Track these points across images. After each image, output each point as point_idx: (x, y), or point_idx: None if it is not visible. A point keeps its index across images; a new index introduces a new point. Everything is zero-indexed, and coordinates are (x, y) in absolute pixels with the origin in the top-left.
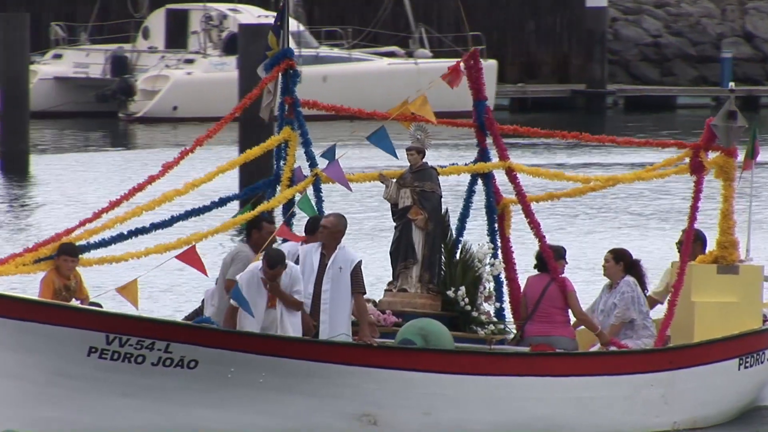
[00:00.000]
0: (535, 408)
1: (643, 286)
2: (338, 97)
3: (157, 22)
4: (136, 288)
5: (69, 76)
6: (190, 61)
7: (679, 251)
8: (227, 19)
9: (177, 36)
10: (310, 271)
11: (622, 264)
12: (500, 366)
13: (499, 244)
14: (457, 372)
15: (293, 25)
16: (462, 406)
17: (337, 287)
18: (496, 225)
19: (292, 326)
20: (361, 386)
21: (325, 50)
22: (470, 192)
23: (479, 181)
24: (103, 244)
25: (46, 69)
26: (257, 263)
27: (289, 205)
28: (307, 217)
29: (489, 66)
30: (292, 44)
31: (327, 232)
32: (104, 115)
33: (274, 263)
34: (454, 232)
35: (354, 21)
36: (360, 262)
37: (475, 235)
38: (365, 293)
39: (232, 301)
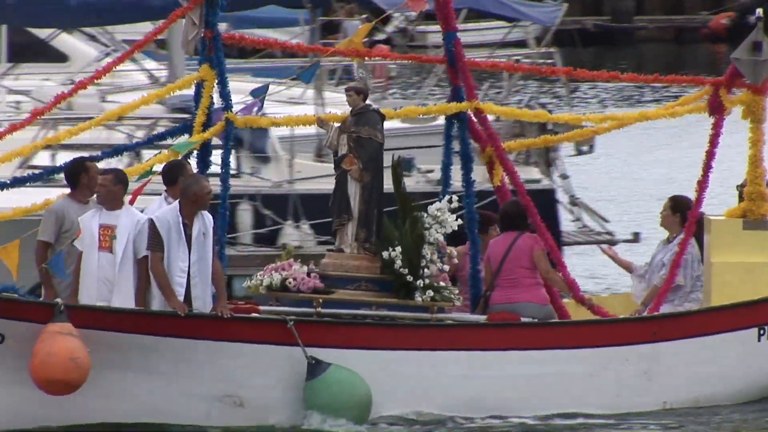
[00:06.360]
0: (472, 387)
1: (701, 240)
2: None
3: None
4: (16, 250)
5: None
6: None
7: (740, 196)
8: None
9: None
10: (178, 242)
11: (679, 215)
12: (419, 338)
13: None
14: (355, 346)
15: None
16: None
17: (202, 257)
18: (472, 175)
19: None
20: (217, 363)
21: None
22: (448, 137)
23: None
24: None
25: None
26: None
27: (204, 153)
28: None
29: None
30: None
31: (195, 200)
32: None
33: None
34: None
35: None
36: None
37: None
38: None
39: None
